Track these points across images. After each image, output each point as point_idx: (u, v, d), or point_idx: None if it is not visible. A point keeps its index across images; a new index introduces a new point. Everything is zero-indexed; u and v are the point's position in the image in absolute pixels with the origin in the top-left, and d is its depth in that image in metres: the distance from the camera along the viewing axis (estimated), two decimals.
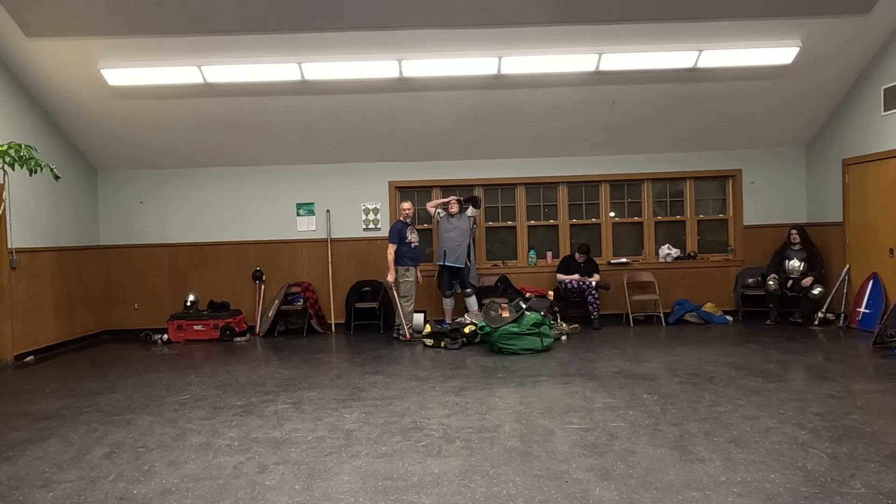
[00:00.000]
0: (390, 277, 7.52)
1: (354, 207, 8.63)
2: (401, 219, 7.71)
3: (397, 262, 7.52)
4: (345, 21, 6.40)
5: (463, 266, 7.74)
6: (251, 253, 8.59)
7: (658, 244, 8.86)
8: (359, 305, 8.35)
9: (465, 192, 8.63)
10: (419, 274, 7.80)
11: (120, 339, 8.32)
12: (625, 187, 8.89)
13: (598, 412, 4.44)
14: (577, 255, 8.21)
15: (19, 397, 5.43)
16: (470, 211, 7.93)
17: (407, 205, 7.77)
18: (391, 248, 7.53)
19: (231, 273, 8.59)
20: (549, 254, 8.81)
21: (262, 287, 8.50)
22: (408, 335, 7.51)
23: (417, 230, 7.94)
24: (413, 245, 7.63)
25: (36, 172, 6.12)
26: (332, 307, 8.51)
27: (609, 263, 8.64)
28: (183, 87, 7.20)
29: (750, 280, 8.44)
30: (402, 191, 8.71)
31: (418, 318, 7.79)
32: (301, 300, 8.28)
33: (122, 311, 8.58)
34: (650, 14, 6.48)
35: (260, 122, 7.84)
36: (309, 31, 6.51)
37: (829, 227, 8.13)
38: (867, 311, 7.27)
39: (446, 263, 7.74)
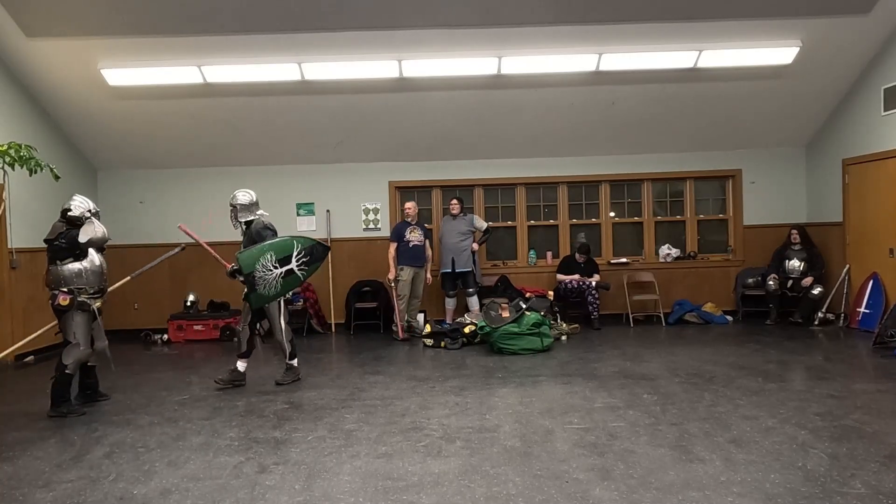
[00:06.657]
0: (390, 275, 7.58)
1: (354, 207, 8.63)
2: (405, 219, 7.74)
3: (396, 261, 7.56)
4: (345, 21, 6.40)
5: (470, 270, 7.75)
6: None
7: (658, 244, 8.85)
8: (359, 305, 8.35)
9: (465, 192, 8.64)
10: (429, 275, 7.80)
11: (120, 339, 8.30)
12: (625, 187, 8.89)
13: (598, 412, 4.44)
14: (577, 255, 8.21)
15: (19, 397, 5.44)
16: (476, 221, 7.93)
17: (409, 204, 7.78)
18: (391, 248, 7.61)
19: None
20: (549, 254, 8.81)
21: None
22: (401, 334, 7.56)
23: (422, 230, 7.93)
24: (412, 244, 7.62)
25: (36, 172, 6.11)
26: (332, 307, 8.50)
27: (609, 263, 8.63)
28: (183, 87, 7.20)
29: (750, 280, 8.43)
30: (403, 191, 8.71)
31: (418, 318, 7.81)
32: (301, 300, 8.25)
33: (122, 311, 8.56)
34: (650, 14, 6.48)
35: (260, 122, 7.83)
36: (309, 31, 6.51)
37: (829, 227, 8.13)
38: (867, 311, 7.26)
39: (457, 270, 7.70)
